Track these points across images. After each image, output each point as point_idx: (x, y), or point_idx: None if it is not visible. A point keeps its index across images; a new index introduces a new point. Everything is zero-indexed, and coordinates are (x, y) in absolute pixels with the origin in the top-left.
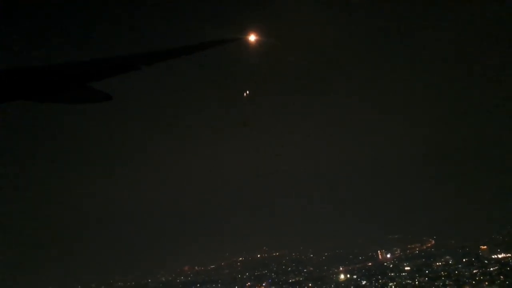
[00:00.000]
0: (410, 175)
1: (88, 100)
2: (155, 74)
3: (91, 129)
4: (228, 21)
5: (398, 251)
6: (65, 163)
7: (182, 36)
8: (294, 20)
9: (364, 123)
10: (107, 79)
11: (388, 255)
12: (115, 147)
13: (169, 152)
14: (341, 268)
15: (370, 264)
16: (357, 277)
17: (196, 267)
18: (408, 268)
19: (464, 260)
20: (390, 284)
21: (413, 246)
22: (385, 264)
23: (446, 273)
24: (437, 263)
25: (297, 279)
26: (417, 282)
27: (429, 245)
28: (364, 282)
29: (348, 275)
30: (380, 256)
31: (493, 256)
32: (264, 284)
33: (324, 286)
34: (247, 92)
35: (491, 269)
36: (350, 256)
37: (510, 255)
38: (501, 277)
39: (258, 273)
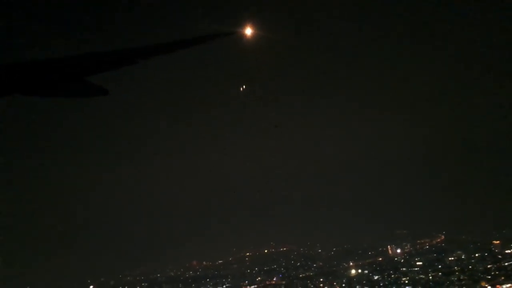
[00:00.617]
0: (416, 174)
1: (85, 94)
2: (152, 69)
3: (90, 124)
4: (226, 15)
5: (408, 246)
6: (82, 157)
7: (178, 30)
8: (292, 13)
9: (370, 123)
10: (105, 73)
11: (398, 250)
12: (134, 139)
13: (180, 148)
14: (351, 263)
15: (380, 259)
16: (368, 272)
17: (204, 262)
18: (420, 263)
19: (476, 255)
20: (403, 279)
21: (422, 241)
22: (396, 259)
23: (459, 268)
24: (449, 258)
25: (307, 274)
26: (430, 277)
27: (439, 240)
28: (376, 277)
29: (359, 270)
30: (390, 251)
31: (506, 251)
32: (274, 279)
33: (335, 281)
34: (244, 87)
35: (506, 264)
36: (359, 251)
37: None
38: None
39: (267, 268)
